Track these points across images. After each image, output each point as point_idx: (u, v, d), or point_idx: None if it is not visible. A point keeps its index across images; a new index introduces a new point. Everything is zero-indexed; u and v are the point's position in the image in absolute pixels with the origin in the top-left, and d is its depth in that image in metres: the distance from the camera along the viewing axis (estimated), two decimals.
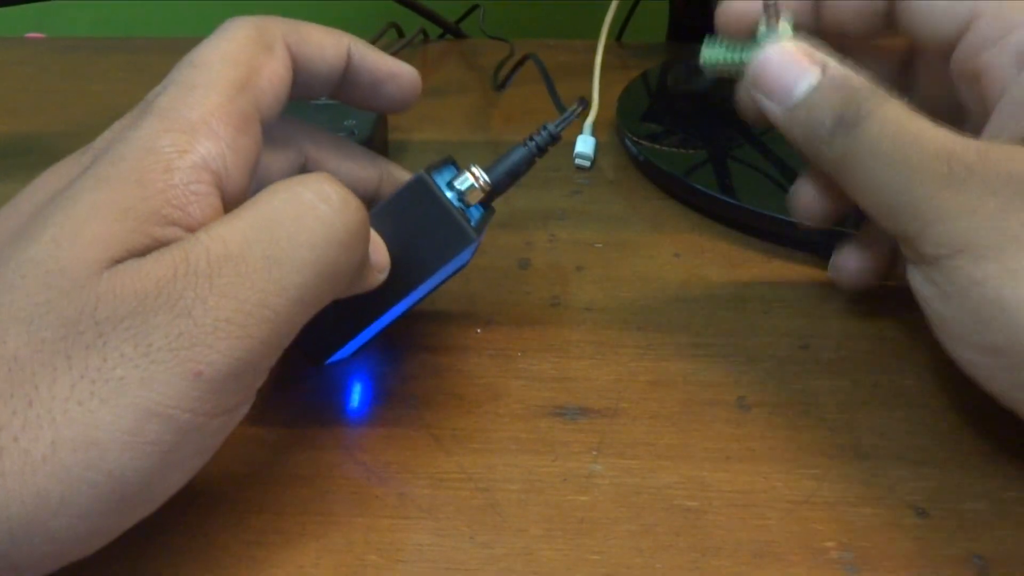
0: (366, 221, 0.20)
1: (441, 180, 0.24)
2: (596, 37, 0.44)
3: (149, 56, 0.57)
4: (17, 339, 0.17)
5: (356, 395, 0.26)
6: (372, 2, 0.63)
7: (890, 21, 0.25)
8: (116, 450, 0.17)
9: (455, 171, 0.25)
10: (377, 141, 0.39)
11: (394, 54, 0.55)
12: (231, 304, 0.18)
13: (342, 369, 0.27)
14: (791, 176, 0.37)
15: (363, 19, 0.70)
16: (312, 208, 0.19)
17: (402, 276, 0.23)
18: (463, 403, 0.26)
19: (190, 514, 0.19)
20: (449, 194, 0.24)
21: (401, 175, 0.28)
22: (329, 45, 0.24)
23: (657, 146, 0.39)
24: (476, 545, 0.22)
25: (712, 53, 0.26)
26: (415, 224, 0.23)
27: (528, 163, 0.26)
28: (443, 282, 0.26)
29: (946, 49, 0.24)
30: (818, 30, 0.26)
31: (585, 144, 0.41)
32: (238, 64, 0.21)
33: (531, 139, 0.26)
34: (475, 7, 0.62)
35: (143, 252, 0.18)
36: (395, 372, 0.27)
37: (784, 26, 0.25)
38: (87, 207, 0.18)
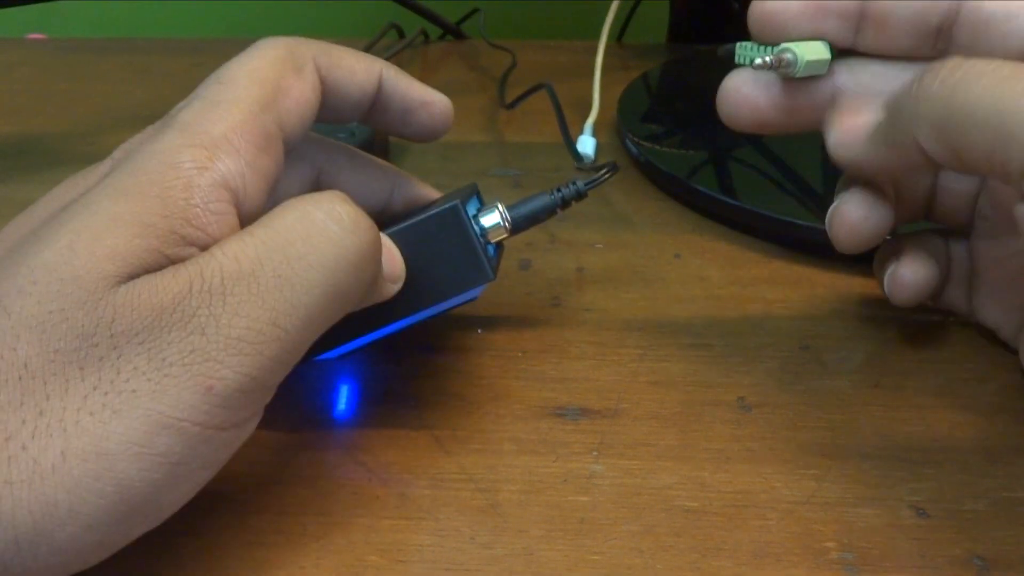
0: (377, 242, 0.21)
1: (468, 211, 0.24)
2: (596, 38, 0.44)
3: (150, 57, 0.57)
4: (29, 347, 0.17)
5: (357, 396, 0.27)
6: (372, 2, 0.63)
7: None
8: (126, 461, 0.17)
9: (479, 203, 0.25)
10: (378, 142, 0.40)
11: (394, 54, 0.56)
12: (243, 322, 0.18)
13: (343, 370, 0.27)
14: (791, 177, 0.37)
15: (363, 19, 0.70)
16: (323, 228, 0.19)
17: (412, 296, 0.23)
18: (464, 403, 0.26)
19: (190, 514, 0.19)
20: (475, 228, 0.24)
21: (412, 188, 0.27)
22: (360, 70, 0.24)
23: (658, 147, 0.40)
24: (477, 546, 0.22)
25: (745, 52, 0.25)
26: (438, 250, 0.23)
27: (550, 212, 0.26)
28: (448, 310, 0.26)
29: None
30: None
31: (586, 145, 0.41)
32: (264, 82, 0.21)
33: (558, 190, 0.26)
34: (475, 11, 0.62)
35: (157, 269, 0.18)
36: (396, 372, 0.27)
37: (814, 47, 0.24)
38: (106, 218, 0.18)
